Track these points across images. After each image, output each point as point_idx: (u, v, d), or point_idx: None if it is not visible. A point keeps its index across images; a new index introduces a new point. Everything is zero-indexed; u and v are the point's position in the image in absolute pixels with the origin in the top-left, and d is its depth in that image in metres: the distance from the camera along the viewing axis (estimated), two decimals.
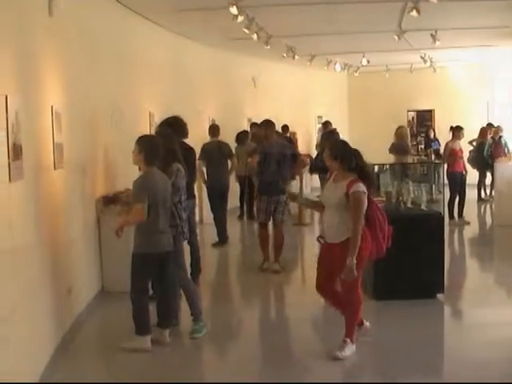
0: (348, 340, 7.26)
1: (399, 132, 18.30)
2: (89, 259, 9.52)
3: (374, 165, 10.29)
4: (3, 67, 5.77)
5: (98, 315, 9.15)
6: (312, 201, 8.33)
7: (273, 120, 11.86)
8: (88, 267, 9.45)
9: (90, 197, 9.74)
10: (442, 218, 9.59)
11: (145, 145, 7.50)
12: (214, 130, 14.96)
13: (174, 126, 8.77)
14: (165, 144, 7.79)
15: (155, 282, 7.79)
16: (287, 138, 19.14)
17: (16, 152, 5.96)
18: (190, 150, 9.77)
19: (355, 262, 6.90)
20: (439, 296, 9.36)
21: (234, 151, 15.27)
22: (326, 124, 21.97)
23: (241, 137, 17.54)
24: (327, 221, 7.26)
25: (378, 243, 7.27)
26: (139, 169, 7.80)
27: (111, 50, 11.09)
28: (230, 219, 14.69)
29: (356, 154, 7.24)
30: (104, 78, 10.53)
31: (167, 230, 7.63)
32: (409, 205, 10.14)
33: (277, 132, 13.67)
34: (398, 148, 17.51)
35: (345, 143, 7.66)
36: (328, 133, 15.16)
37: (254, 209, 14.36)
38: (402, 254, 9.08)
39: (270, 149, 11.25)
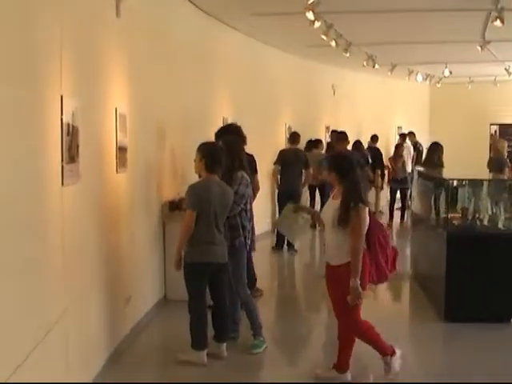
0: (335, 372, 6.86)
1: (495, 146, 17.43)
2: (152, 266, 9.30)
3: (451, 179, 9.77)
4: (61, 67, 5.52)
5: (158, 324, 8.91)
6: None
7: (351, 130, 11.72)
8: (151, 274, 9.24)
9: (156, 201, 9.51)
10: None
11: (206, 152, 7.25)
12: (294, 137, 14.94)
13: (235, 134, 8.44)
14: (230, 151, 7.51)
15: (210, 294, 7.48)
16: (375, 148, 19.10)
17: (71, 155, 5.72)
18: (251, 156, 9.44)
19: (358, 282, 6.40)
20: None
21: None
22: (404, 136, 21.58)
23: (309, 145, 17.28)
24: (326, 240, 6.81)
25: (379, 268, 6.70)
26: (199, 176, 7.52)
27: (186, 53, 10.92)
28: None
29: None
30: (177, 82, 10.33)
31: (219, 242, 7.27)
32: (485, 223, 9.66)
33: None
34: (494, 163, 16.63)
35: (344, 156, 7.04)
36: (434, 144, 14.46)
37: None
38: (475, 274, 8.75)
39: None
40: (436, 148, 13.96)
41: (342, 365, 6.84)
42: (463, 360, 7.62)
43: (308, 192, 17.38)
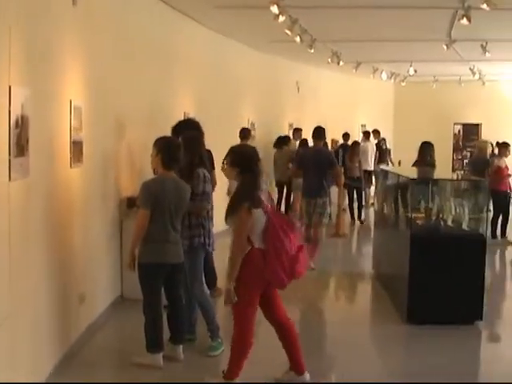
0: (293, 374, 6.59)
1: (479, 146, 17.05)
2: (108, 263, 9.01)
3: (415, 179, 9.61)
4: (10, 56, 5.22)
5: (113, 325, 8.61)
6: None
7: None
8: (107, 272, 8.95)
9: (113, 198, 9.23)
10: (484, 240, 8.87)
11: (162, 147, 6.95)
12: (245, 133, 15.04)
13: (195, 129, 8.16)
14: (190, 147, 7.26)
15: (166, 294, 7.20)
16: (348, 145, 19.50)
17: (20, 148, 5.42)
18: (209, 152, 9.12)
19: (232, 287, 6.05)
20: (477, 323, 8.67)
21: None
22: (368, 134, 21.51)
23: (279, 142, 17.23)
24: None
25: (273, 272, 6.07)
26: (155, 172, 7.26)
27: (147, 46, 10.62)
28: None
29: None
30: (138, 76, 10.05)
31: (175, 241, 6.97)
32: (449, 223, 9.52)
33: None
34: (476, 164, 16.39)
35: (246, 152, 6.49)
36: (425, 143, 14.10)
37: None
38: (439, 275, 8.64)
39: None
40: (427, 147, 13.82)
41: (296, 366, 6.59)
42: (426, 362, 7.44)
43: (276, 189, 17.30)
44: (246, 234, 6.03)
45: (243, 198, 6.05)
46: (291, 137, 18.43)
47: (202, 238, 7.41)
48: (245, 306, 6.16)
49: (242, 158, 6.28)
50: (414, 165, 13.33)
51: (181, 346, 7.19)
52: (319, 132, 12.64)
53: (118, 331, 8.56)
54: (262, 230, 6.05)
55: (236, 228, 6.08)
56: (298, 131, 18.56)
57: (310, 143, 14.44)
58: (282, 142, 17.38)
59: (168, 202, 6.83)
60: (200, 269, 7.46)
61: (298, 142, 17.88)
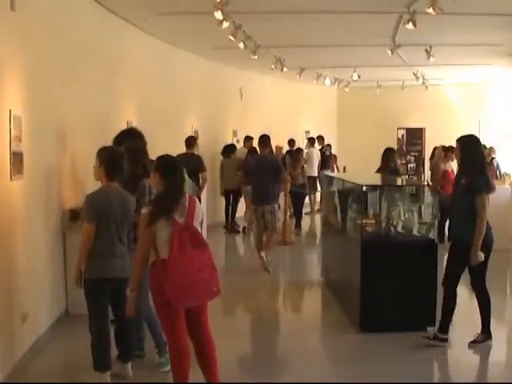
0: None
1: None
2: (52, 278, 8.73)
3: (364, 185, 9.52)
4: None
5: (58, 342, 8.30)
6: None
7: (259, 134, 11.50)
8: (51, 287, 8.68)
9: (56, 210, 8.96)
10: (436, 246, 8.84)
11: (105, 157, 6.72)
12: (190, 141, 14.67)
13: (138, 139, 7.96)
14: (134, 157, 7.05)
15: (113, 310, 6.96)
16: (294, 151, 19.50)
17: None
18: (152, 162, 8.90)
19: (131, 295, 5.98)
20: (430, 329, 8.58)
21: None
22: (312, 140, 21.54)
23: (226, 150, 17.21)
24: None
25: (169, 286, 5.77)
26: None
27: (90, 53, 10.37)
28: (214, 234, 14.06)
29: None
30: (80, 84, 9.80)
31: (121, 254, 6.73)
32: (399, 229, 9.47)
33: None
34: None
35: (170, 159, 6.23)
36: (388, 150, 14.12)
37: None
38: (391, 282, 8.59)
39: None
40: (391, 153, 13.79)
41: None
42: (380, 371, 7.38)
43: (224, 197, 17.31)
44: (146, 242, 5.83)
45: (153, 206, 5.87)
46: (241, 144, 18.43)
47: None
48: (164, 316, 6.01)
49: (162, 165, 6.06)
50: (377, 171, 13.32)
51: (129, 364, 6.97)
52: (264, 139, 12.81)
53: (63, 349, 8.26)
54: (166, 241, 5.78)
55: (140, 235, 5.90)
56: (248, 139, 18.49)
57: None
58: (229, 150, 17.40)
59: (113, 215, 6.61)
60: (146, 283, 7.24)
61: (247, 150, 17.78)
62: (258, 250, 12.61)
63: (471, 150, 8.01)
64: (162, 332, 7.16)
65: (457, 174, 8.50)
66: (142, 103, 13.30)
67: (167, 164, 6.05)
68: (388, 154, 13.58)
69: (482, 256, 7.88)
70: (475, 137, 8.35)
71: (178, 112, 15.93)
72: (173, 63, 15.69)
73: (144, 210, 5.83)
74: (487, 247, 8.00)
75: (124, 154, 6.85)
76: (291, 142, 20.68)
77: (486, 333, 8.26)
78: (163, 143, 13.25)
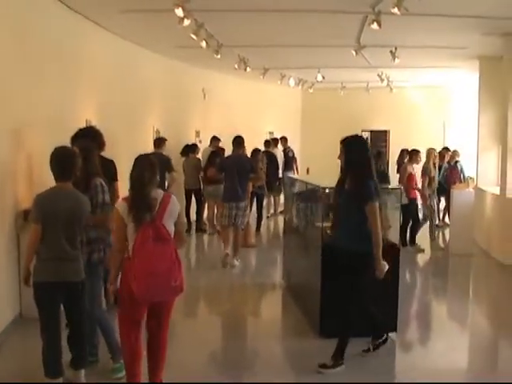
0: None
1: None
2: (5, 282, 8.56)
3: (326, 187, 9.40)
4: None
5: (11, 347, 8.15)
6: None
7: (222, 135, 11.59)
8: (3, 290, 8.51)
9: (9, 210, 8.80)
10: (398, 250, 8.80)
11: (56, 158, 6.59)
12: (159, 142, 15.22)
13: (92, 138, 7.82)
14: (86, 157, 6.92)
15: (66, 315, 6.79)
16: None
17: None
18: (111, 162, 8.80)
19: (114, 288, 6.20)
20: (391, 335, 8.56)
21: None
22: (276, 141, 21.51)
23: (186, 150, 17.19)
24: None
25: (134, 282, 5.98)
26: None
27: (49, 51, 10.21)
28: None
29: None
30: (38, 81, 9.63)
31: (72, 257, 6.53)
32: None
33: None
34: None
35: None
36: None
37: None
38: (352, 288, 8.35)
39: None
40: (378, 156, 13.88)
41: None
42: (341, 377, 7.33)
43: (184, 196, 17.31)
44: (119, 236, 6.16)
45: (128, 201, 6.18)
46: (207, 144, 18.40)
47: (101, 253, 7.07)
48: (124, 312, 6.22)
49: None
50: None
51: (82, 371, 6.80)
52: (238, 140, 13.67)
53: (16, 353, 8.10)
54: (133, 235, 6.05)
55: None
56: (215, 140, 18.40)
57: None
58: (189, 150, 17.39)
59: (62, 216, 6.44)
60: (99, 287, 7.10)
61: (211, 151, 17.77)
62: (226, 244, 13.30)
63: (356, 152, 7.42)
64: (116, 337, 7.06)
65: (340, 179, 7.74)
66: (102, 102, 13.13)
67: (135, 164, 6.36)
68: (375, 156, 13.76)
69: (386, 265, 7.41)
70: (361, 137, 7.85)
71: (139, 111, 15.76)
72: (135, 62, 15.53)
73: (117, 205, 6.16)
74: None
75: (76, 154, 6.71)
76: (267, 143, 20.73)
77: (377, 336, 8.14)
78: (124, 143, 13.14)
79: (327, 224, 9.23)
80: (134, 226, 6.01)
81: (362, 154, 7.42)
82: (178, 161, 17.21)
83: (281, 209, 20.40)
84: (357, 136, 7.76)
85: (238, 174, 13.12)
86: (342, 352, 7.59)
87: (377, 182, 7.45)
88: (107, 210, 7.02)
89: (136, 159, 6.39)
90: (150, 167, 6.28)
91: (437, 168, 16.93)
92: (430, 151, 16.51)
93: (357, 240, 7.32)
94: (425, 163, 16.23)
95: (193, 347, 8.25)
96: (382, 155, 14.49)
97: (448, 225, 17.02)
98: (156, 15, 11.86)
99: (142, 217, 6.01)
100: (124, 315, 6.23)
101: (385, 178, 14.41)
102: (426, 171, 16.10)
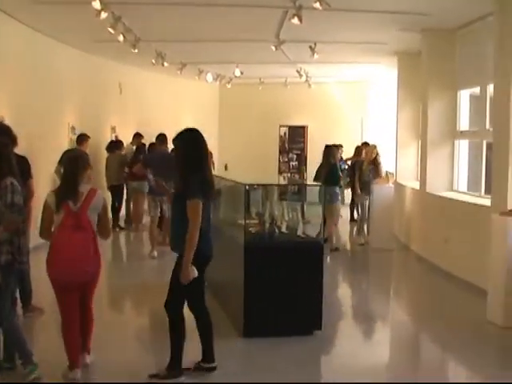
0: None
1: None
2: None
3: (246, 184, 9.33)
4: None
5: None
6: None
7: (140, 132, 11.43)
8: None
9: None
10: (321, 247, 8.80)
11: None
12: (81, 138, 15.16)
13: (4, 135, 7.55)
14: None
15: None
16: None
17: None
18: (24, 159, 8.49)
19: None
20: (317, 333, 8.56)
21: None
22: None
23: (111, 146, 17.14)
24: None
25: (52, 267, 6.73)
26: None
27: None
28: None
29: None
30: None
31: None
32: (283, 230, 9.38)
33: None
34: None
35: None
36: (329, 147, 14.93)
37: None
38: (276, 285, 8.47)
39: None
40: (331, 150, 14.02)
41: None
42: (266, 378, 7.24)
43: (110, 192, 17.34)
44: (45, 226, 6.75)
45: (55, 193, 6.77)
46: (130, 141, 18.37)
47: (9, 255, 6.78)
48: (57, 292, 6.78)
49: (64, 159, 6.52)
50: (318, 169, 13.54)
51: None
52: (162, 138, 14.33)
53: None
54: (58, 224, 6.66)
55: None
56: (138, 136, 18.27)
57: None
58: (114, 146, 17.33)
59: None
60: (8, 290, 6.84)
61: (135, 147, 17.63)
62: (152, 238, 13.89)
63: (183, 148, 7.10)
64: (25, 342, 6.85)
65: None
66: (15, 97, 12.80)
67: (66, 159, 7.18)
68: (328, 151, 14.62)
69: (194, 272, 6.80)
70: (189, 131, 7.32)
71: (54, 107, 15.44)
72: (50, 56, 15.20)
73: (47, 195, 6.73)
74: (201, 261, 6.94)
75: None
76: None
77: (207, 359, 7.37)
78: (38, 139, 12.84)
79: (250, 221, 9.21)
80: (59, 216, 6.59)
81: (187, 149, 7.04)
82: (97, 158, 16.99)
83: None
84: (185, 130, 7.33)
85: (165, 169, 13.13)
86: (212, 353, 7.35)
87: (208, 178, 7.02)
88: (16, 211, 6.72)
89: (67, 155, 6.68)
90: (81, 162, 6.85)
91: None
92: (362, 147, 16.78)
93: (179, 241, 6.83)
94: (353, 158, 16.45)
95: (111, 349, 8.07)
96: (332, 150, 14.66)
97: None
98: (72, 7, 11.61)
99: (66, 206, 6.59)
100: (58, 295, 6.78)
101: (335, 174, 14.58)
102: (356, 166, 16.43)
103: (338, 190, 14.79)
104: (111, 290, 11.41)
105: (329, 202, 14.28)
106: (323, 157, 15.23)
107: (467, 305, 10.64)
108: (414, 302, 11.53)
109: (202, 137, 7.23)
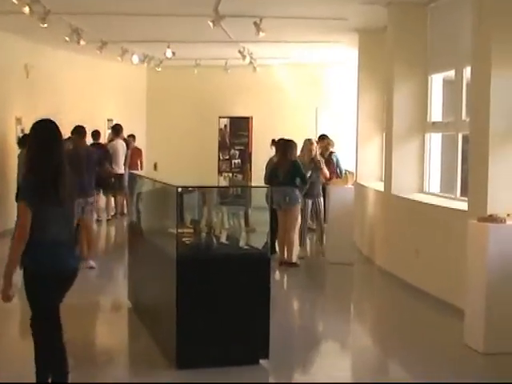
0: None
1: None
2: None
3: (178, 186, 9.26)
4: None
5: None
6: None
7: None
8: None
9: None
10: (268, 261, 8.79)
11: None
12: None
13: None
14: None
15: None
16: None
17: None
18: None
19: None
20: (263, 362, 8.57)
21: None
22: (117, 130, 21.34)
23: (25, 140, 17.13)
24: None
25: None
26: None
27: None
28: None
29: None
30: None
31: None
32: (223, 240, 9.38)
33: None
34: None
35: None
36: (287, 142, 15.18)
37: None
38: (214, 306, 8.48)
39: None
40: (290, 146, 14.05)
41: None
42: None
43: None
44: None
45: None
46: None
47: None
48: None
49: None
50: (273, 168, 13.60)
51: None
52: (80, 130, 14.90)
53: None
54: None
55: None
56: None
57: None
58: (27, 140, 17.17)
59: None
60: None
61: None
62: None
63: (30, 140, 7.19)
64: None
65: None
66: None
67: None
68: (286, 146, 15.00)
69: (12, 290, 6.68)
70: (39, 122, 7.21)
71: None
72: None
73: None
74: (30, 277, 6.79)
75: None
76: (96, 134, 20.42)
77: None
78: None
79: (184, 230, 9.18)
80: None
81: (30, 142, 7.16)
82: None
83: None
84: (36, 121, 7.26)
85: (87, 167, 13.92)
86: None
87: (49, 177, 6.80)
88: None
89: None
90: None
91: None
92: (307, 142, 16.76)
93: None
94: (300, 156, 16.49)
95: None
96: (290, 145, 14.76)
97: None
98: None
99: None
100: None
101: (297, 173, 14.59)
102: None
103: (297, 191, 14.72)
104: None
105: (288, 205, 14.34)
106: (280, 153, 15.14)
107: (441, 327, 10.77)
108: (378, 324, 11.61)
109: (50, 129, 7.12)
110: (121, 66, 23.42)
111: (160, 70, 24.40)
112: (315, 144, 16.36)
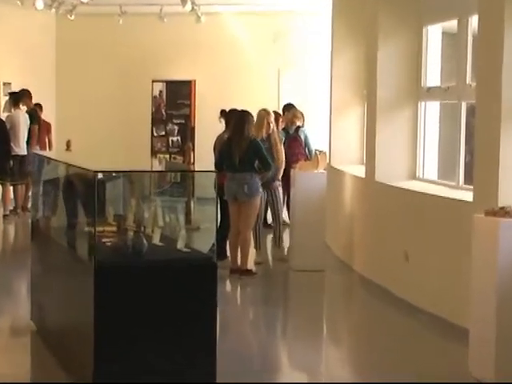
0: None
1: None
2: None
3: (99, 171, 9.27)
4: None
5: None
6: None
7: None
8: None
9: None
10: (215, 268, 8.85)
11: None
12: None
13: None
14: None
15: None
16: None
17: None
18: None
19: None
20: None
21: None
22: (17, 97, 21.34)
23: None
24: None
25: None
26: None
27: None
28: None
29: None
30: None
31: None
32: (157, 241, 9.40)
33: None
34: None
35: None
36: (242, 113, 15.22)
37: None
38: (145, 324, 8.55)
39: None
40: (247, 119, 14.59)
41: None
42: None
43: None
44: None
45: None
46: None
47: None
48: None
49: None
50: (226, 147, 13.80)
51: None
52: None
53: None
54: None
55: None
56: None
57: None
58: None
59: None
60: None
61: None
62: None
63: None
64: None
65: None
66: None
67: None
68: (241, 119, 14.92)
69: None
70: None
71: None
72: None
73: None
74: None
75: None
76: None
77: None
78: None
79: (105, 228, 9.20)
80: None
81: None
82: None
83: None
84: None
85: None
86: None
87: None
88: None
89: None
90: None
91: None
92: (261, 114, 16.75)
93: None
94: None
95: None
96: (246, 117, 14.77)
97: (288, 224, 17.26)
98: None
99: None
100: None
101: (258, 154, 14.59)
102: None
103: (257, 179, 14.60)
104: None
105: (246, 197, 14.31)
106: (233, 129, 14.94)
107: (439, 352, 10.83)
108: (357, 350, 11.70)
109: None
110: (21, 11, 23.34)
111: (73, 18, 24.32)
112: (273, 115, 16.33)
